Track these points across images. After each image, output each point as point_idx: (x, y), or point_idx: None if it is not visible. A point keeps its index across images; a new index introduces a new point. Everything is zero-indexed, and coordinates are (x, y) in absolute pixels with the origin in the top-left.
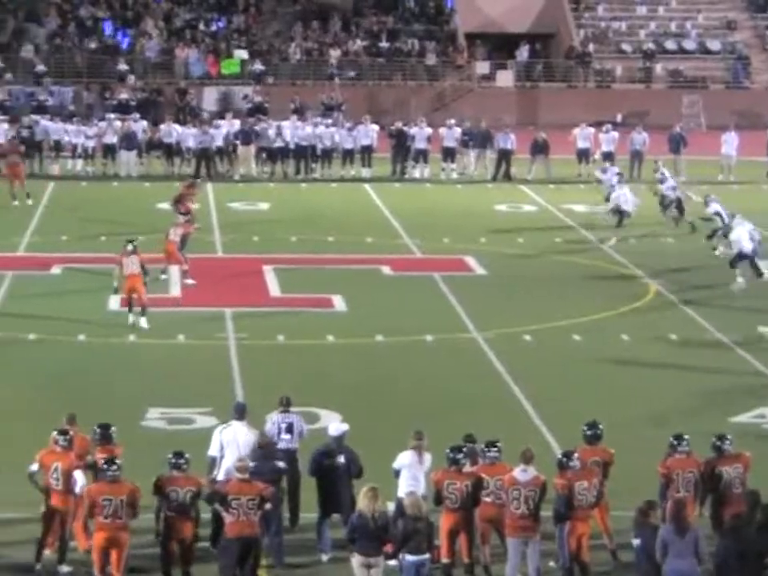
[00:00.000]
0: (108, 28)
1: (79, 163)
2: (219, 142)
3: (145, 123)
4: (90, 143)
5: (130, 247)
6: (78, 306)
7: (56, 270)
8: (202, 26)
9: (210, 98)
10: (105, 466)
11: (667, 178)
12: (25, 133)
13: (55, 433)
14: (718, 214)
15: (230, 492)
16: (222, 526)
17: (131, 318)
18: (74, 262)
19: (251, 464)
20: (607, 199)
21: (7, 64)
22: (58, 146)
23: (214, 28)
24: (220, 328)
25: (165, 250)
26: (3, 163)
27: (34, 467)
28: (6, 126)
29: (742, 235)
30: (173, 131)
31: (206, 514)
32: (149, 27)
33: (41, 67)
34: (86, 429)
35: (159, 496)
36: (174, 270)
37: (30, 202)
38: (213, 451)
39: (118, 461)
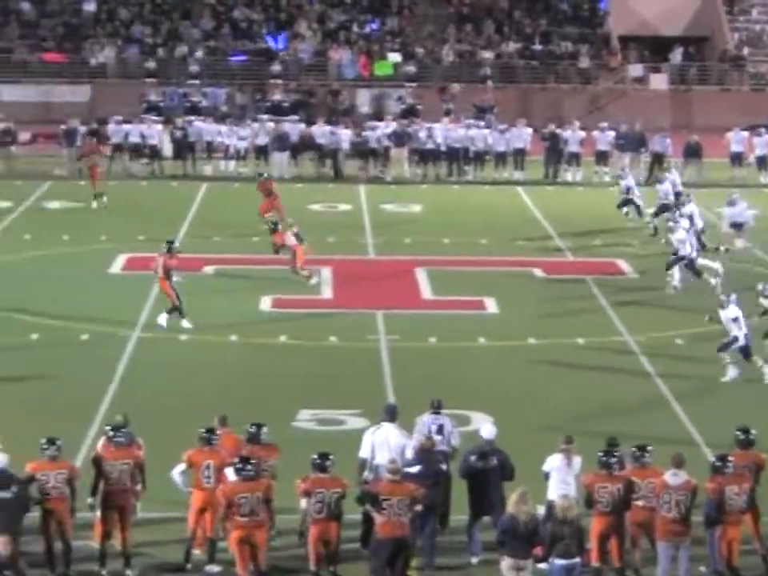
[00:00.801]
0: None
1: (232, 164)
2: (373, 144)
3: (301, 125)
4: (243, 144)
5: (164, 248)
6: (229, 306)
7: (208, 270)
8: (355, 28)
9: (362, 99)
10: (239, 466)
11: (665, 180)
12: (178, 134)
13: (203, 431)
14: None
15: (381, 492)
16: (372, 526)
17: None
18: (226, 263)
19: (415, 468)
20: (620, 205)
21: (162, 65)
22: (210, 147)
23: (367, 30)
24: (372, 330)
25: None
26: (84, 163)
27: (182, 467)
28: (159, 126)
29: (686, 237)
30: (325, 133)
31: (353, 516)
32: (302, 29)
33: (195, 68)
34: (238, 429)
35: (306, 498)
36: (326, 271)
37: (99, 203)
38: (364, 453)
39: (253, 460)
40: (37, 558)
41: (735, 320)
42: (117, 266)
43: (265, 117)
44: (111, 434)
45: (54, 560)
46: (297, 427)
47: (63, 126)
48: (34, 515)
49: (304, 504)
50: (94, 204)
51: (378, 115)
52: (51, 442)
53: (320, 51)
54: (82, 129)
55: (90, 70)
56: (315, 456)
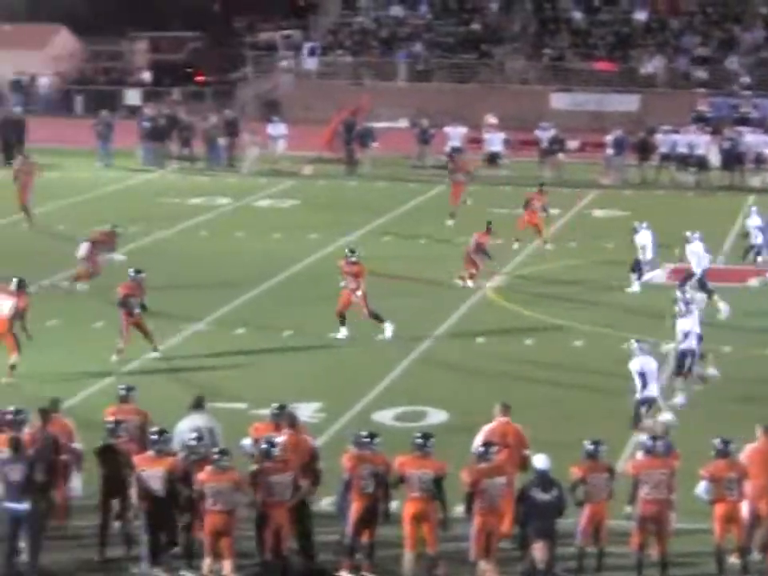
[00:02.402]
0: None
1: None
2: None
3: None
4: None
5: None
6: None
7: (752, 282)
8: None
9: None
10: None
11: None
12: (726, 145)
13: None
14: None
15: None
16: None
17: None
18: None
19: None
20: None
21: (712, 75)
22: (760, 159)
23: None
24: None
25: None
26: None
27: (704, 484)
28: (707, 137)
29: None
30: None
31: None
32: None
33: (746, 79)
34: None
35: None
36: None
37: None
38: None
39: None
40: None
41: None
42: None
43: None
44: (649, 443)
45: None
46: None
47: (610, 136)
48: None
49: None
50: (450, 222)
51: None
52: (597, 443)
53: None
54: (630, 139)
55: (640, 80)
56: None
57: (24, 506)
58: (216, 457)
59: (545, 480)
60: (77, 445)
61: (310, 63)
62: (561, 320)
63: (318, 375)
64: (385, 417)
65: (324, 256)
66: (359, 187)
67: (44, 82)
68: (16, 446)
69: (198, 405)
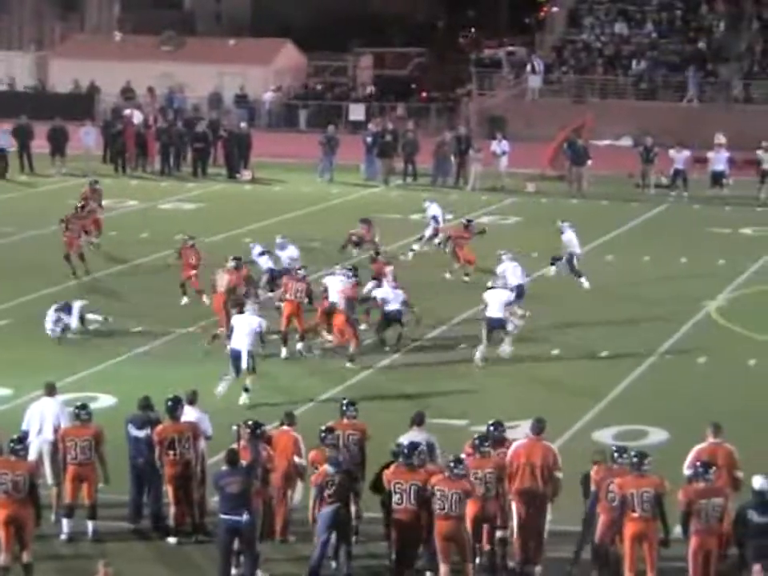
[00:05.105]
0: None
1: None
2: None
3: None
4: None
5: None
6: None
7: None
8: None
9: None
10: None
11: None
12: None
13: None
14: None
15: None
16: None
17: None
18: None
19: None
20: None
21: None
22: None
23: None
24: None
25: None
26: None
27: None
28: None
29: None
30: None
31: None
32: None
33: None
34: None
35: None
36: None
37: None
38: None
39: None
40: None
41: None
42: None
43: None
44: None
45: None
46: None
47: None
48: None
49: None
50: None
51: None
52: None
53: None
54: None
55: None
56: None
57: (241, 517)
58: (452, 465)
59: (763, 502)
60: (300, 459)
61: (534, 80)
62: None
63: (537, 392)
64: (604, 435)
65: (541, 275)
66: (581, 206)
67: (268, 96)
68: (233, 459)
69: (418, 421)
